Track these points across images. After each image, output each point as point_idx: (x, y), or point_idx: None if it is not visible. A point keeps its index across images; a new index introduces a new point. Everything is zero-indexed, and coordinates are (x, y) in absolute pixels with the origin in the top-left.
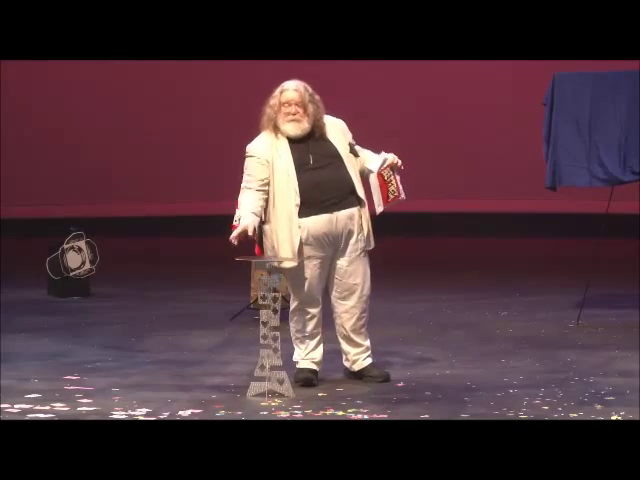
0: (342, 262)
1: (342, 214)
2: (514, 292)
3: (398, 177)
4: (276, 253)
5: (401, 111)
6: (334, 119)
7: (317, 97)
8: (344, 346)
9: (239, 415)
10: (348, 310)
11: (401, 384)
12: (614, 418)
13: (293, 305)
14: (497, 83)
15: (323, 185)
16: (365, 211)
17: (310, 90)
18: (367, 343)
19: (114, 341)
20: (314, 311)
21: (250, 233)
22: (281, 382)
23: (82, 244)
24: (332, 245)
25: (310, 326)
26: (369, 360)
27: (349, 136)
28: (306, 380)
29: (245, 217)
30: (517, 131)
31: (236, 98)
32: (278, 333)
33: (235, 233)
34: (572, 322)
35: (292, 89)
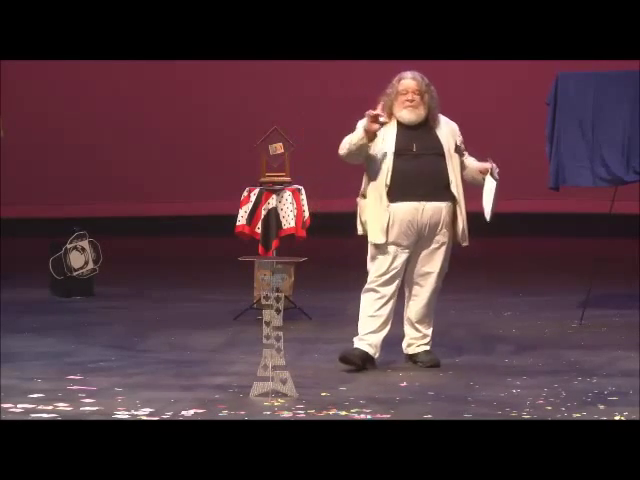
0: (422, 250)
1: (430, 205)
2: (517, 292)
3: None
4: (364, 228)
5: None
6: (448, 120)
7: (433, 88)
8: (405, 328)
9: (242, 415)
10: (417, 295)
11: (404, 384)
12: (617, 418)
13: (367, 283)
14: (498, 83)
15: (418, 173)
16: (461, 208)
17: (427, 80)
18: (427, 331)
19: (117, 341)
20: (386, 293)
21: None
22: (284, 382)
23: (85, 244)
24: (415, 234)
25: (377, 306)
26: (424, 348)
27: (459, 139)
28: (343, 356)
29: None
30: (518, 131)
31: (236, 98)
32: (281, 333)
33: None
34: (575, 322)
35: (410, 77)
